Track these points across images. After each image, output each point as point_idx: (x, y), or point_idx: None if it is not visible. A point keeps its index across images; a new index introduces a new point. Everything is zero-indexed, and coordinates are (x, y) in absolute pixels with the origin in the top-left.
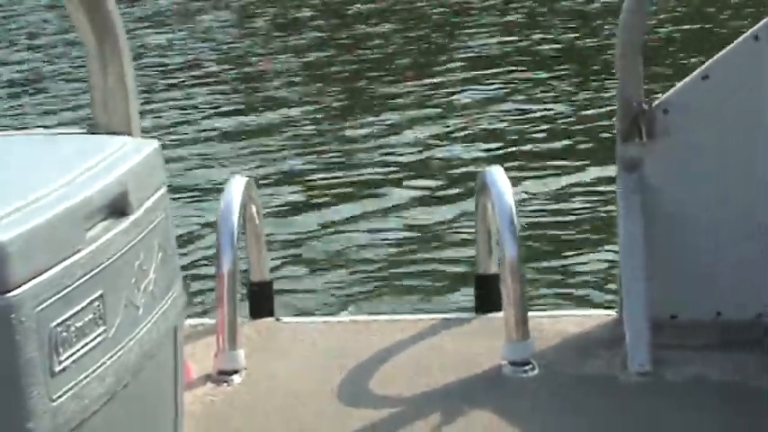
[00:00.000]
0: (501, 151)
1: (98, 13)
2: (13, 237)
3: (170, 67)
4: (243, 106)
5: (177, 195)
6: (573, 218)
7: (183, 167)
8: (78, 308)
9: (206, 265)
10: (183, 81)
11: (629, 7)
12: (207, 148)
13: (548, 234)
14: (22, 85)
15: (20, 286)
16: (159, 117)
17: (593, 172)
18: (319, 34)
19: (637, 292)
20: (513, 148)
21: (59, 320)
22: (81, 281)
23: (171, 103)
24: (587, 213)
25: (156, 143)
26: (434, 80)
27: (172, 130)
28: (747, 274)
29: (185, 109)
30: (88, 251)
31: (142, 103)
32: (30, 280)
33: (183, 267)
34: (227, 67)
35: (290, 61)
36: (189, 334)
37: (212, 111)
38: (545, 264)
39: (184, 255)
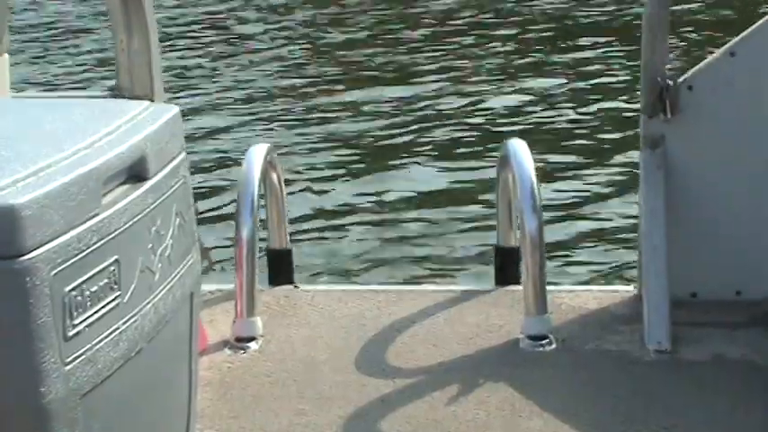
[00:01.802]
0: (523, 124)
1: None
2: (28, 200)
3: (198, 33)
4: (269, 74)
5: (199, 161)
6: (594, 192)
7: (207, 134)
8: (93, 272)
9: (226, 231)
10: (210, 46)
11: None
12: (231, 114)
13: (569, 208)
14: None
15: (34, 250)
16: (182, 82)
17: (617, 146)
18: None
19: (657, 270)
20: (536, 121)
21: (74, 285)
22: (96, 245)
23: (197, 68)
24: (609, 188)
25: (176, 108)
26: (460, 52)
27: (195, 95)
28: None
29: (211, 75)
30: (104, 216)
31: (167, 69)
32: (44, 244)
33: (204, 233)
34: (262, 32)
35: (330, 31)
36: (208, 300)
37: (238, 77)
38: (565, 238)
39: (205, 221)
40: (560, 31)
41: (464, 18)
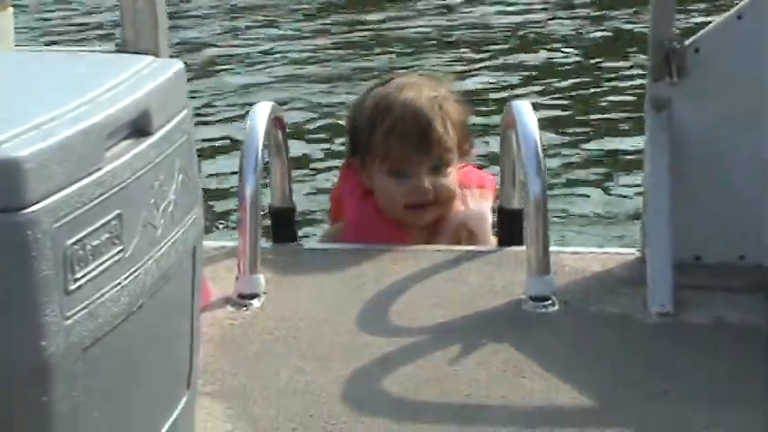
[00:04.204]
0: (528, 85)
1: None
2: (31, 153)
3: None
4: (276, 31)
5: (203, 119)
6: (599, 155)
7: (210, 91)
8: (95, 226)
9: (230, 188)
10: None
11: None
12: (236, 72)
13: (573, 170)
14: None
15: (37, 203)
16: (189, 39)
17: (622, 109)
18: None
19: (660, 232)
20: (541, 83)
21: (75, 239)
22: (99, 199)
23: (202, 25)
24: (614, 151)
25: (180, 63)
26: (463, 12)
27: (200, 52)
28: None
29: (215, 30)
30: (107, 170)
31: (172, 24)
32: (47, 197)
33: (208, 190)
34: None
35: None
36: (211, 256)
37: (244, 34)
38: (570, 200)
39: (208, 179)
40: None
41: None
